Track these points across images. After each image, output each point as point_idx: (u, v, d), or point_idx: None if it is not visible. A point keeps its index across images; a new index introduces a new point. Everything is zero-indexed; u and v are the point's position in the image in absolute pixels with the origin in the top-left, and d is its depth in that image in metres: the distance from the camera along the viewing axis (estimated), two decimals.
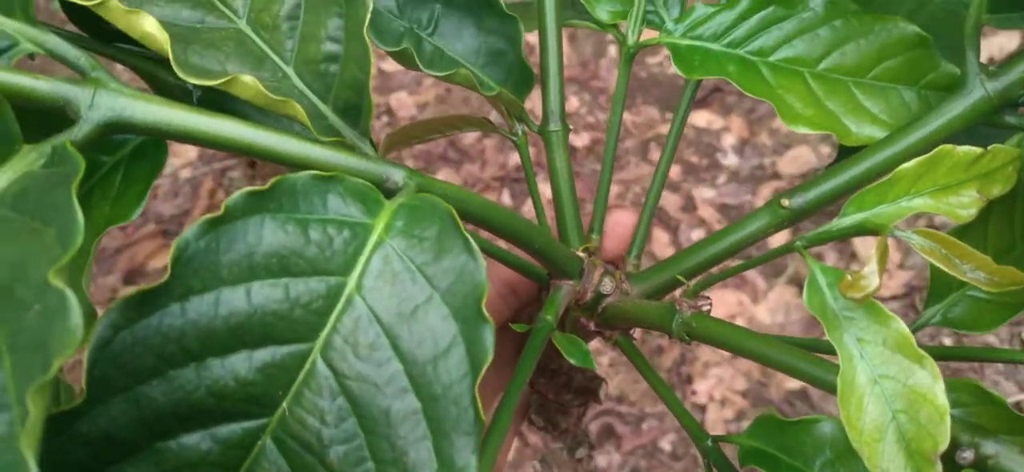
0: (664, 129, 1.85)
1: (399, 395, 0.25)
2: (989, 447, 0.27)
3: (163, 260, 1.71)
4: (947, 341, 1.43)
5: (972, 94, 0.32)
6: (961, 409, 0.29)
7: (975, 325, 0.33)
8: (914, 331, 0.34)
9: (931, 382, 0.26)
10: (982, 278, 0.27)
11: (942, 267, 0.27)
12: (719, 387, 1.42)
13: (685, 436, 1.39)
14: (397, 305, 0.26)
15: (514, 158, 1.81)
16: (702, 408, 1.40)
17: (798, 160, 1.75)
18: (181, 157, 1.94)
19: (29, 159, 0.24)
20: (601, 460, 1.34)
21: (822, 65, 0.35)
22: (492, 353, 0.25)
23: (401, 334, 0.26)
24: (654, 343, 1.51)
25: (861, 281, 0.26)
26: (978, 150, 0.30)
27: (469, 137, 1.87)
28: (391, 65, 2.11)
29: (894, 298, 1.43)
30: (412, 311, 0.26)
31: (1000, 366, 1.37)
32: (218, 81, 0.27)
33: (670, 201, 1.69)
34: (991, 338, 1.42)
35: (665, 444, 1.38)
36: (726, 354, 1.47)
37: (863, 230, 0.29)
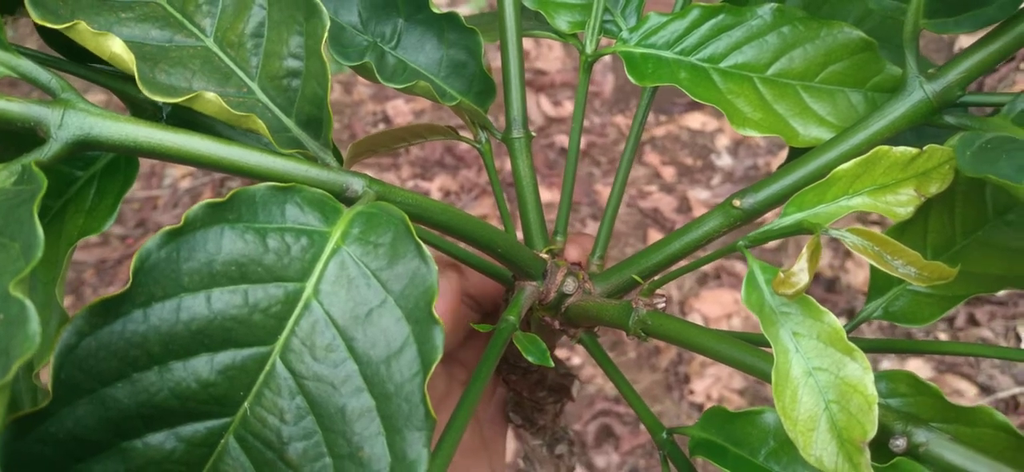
0: (657, 131, 1.87)
1: (354, 394, 0.27)
2: (920, 435, 0.28)
3: None
4: (943, 336, 1.44)
5: (912, 96, 0.33)
6: (899, 399, 0.31)
7: (915, 318, 0.35)
8: (855, 325, 0.36)
9: (861, 374, 0.27)
10: (913, 273, 0.28)
11: (875, 263, 0.28)
12: (716, 386, 1.43)
13: (683, 438, 1.39)
14: (352, 308, 0.27)
15: (510, 164, 1.82)
16: (700, 407, 1.41)
17: None
18: (181, 169, 1.96)
19: (1, 177, 0.26)
20: (600, 460, 1.35)
21: (771, 70, 0.36)
22: (441, 352, 0.26)
23: (356, 336, 0.27)
24: (651, 344, 1.52)
25: (792, 278, 0.27)
26: (914, 150, 0.31)
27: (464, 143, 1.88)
28: None
29: None
30: (367, 314, 0.27)
31: (996, 360, 1.38)
32: (182, 98, 0.29)
33: (665, 202, 1.71)
34: (986, 332, 1.43)
35: None
36: None
37: (802, 229, 0.30)
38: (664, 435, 0.35)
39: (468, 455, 0.43)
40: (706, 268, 1.62)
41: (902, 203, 0.31)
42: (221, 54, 0.32)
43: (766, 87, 0.36)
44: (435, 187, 1.80)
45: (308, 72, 0.31)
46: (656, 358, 1.52)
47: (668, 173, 1.77)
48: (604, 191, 1.73)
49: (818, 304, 0.28)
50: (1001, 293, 1.60)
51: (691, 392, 1.45)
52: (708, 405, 1.44)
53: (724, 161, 1.79)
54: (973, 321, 1.51)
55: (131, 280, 0.25)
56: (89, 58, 0.34)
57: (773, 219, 0.31)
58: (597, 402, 1.43)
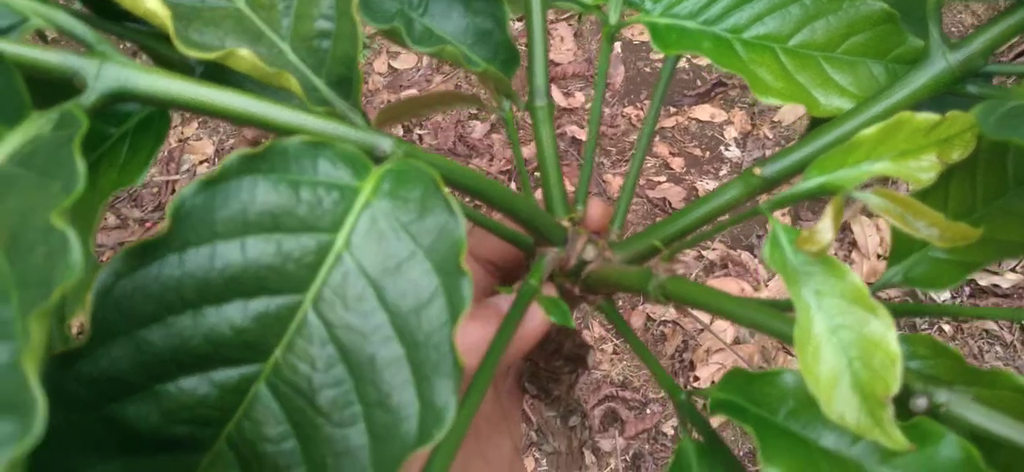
0: (667, 122, 1.87)
1: (384, 343, 0.27)
2: (942, 395, 0.28)
3: None
4: (946, 328, 1.44)
5: (935, 65, 0.34)
6: (918, 361, 0.31)
7: (935, 283, 0.35)
8: (877, 290, 0.36)
9: (884, 330, 0.27)
10: (936, 235, 0.29)
11: (897, 225, 0.29)
12: (720, 373, 1.43)
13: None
14: (383, 261, 0.28)
15: (526, 150, 1.83)
16: (675, 383, 1.41)
17: None
18: (198, 154, 1.97)
19: (38, 124, 0.26)
20: (605, 444, 1.36)
21: (793, 41, 0.37)
22: (470, 303, 0.27)
23: (386, 287, 0.27)
24: (657, 330, 1.53)
25: (816, 235, 0.28)
26: (937, 117, 0.31)
27: (478, 131, 1.89)
28: (402, 62, 2.13)
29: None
30: (396, 266, 0.28)
31: (999, 350, 1.39)
32: (216, 54, 0.29)
33: (673, 192, 1.71)
34: (990, 324, 1.43)
35: (668, 428, 1.40)
36: (728, 340, 1.48)
37: (824, 192, 0.30)
38: (682, 396, 0.36)
39: (489, 424, 0.43)
40: (712, 257, 1.62)
41: (924, 169, 0.31)
42: (252, 15, 0.32)
43: (788, 57, 0.37)
44: None
45: (339, 32, 0.32)
46: (661, 345, 1.52)
47: (677, 164, 1.77)
48: (613, 180, 1.73)
49: (841, 263, 0.29)
50: (1006, 286, 1.60)
51: (696, 379, 1.46)
52: None
53: (732, 153, 1.79)
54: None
55: (168, 225, 0.25)
56: (118, 17, 0.35)
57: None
58: (603, 387, 1.43)
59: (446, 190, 0.28)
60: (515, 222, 0.37)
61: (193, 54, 0.29)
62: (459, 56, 0.36)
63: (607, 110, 1.89)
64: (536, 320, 0.36)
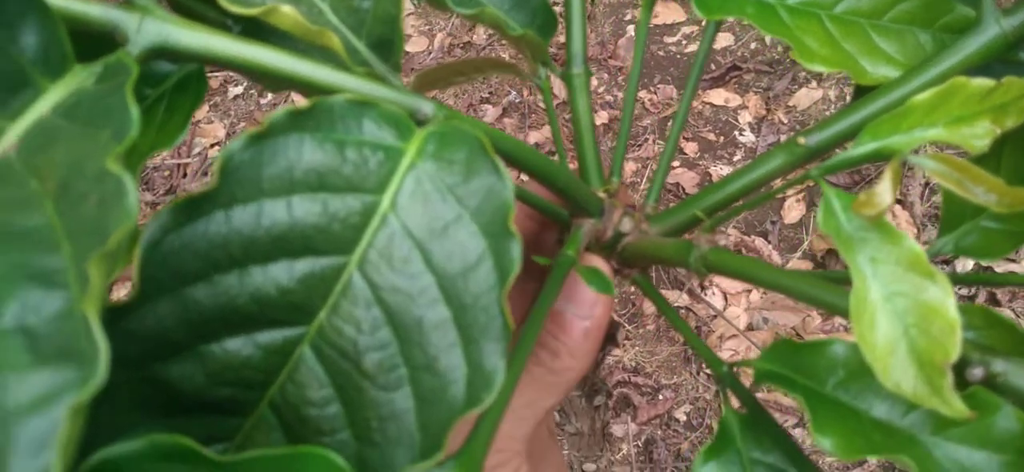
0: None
1: (431, 305, 0.26)
2: (998, 365, 0.28)
3: None
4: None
5: (988, 31, 0.33)
6: (973, 332, 0.30)
7: (987, 253, 0.34)
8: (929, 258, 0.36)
9: (943, 297, 0.27)
10: (994, 200, 0.28)
11: (954, 190, 0.28)
12: (734, 360, 1.42)
13: (700, 407, 1.40)
14: (429, 222, 0.27)
15: (533, 136, 1.82)
16: (717, 357, 1.41)
17: None
18: (209, 137, 1.97)
19: (81, 77, 0.25)
20: (617, 430, 1.35)
21: (839, 8, 0.36)
22: (520, 264, 0.26)
23: (433, 249, 0.27)
24: None
25: (874, 198, 0.27)
26: (992, 82, 0.30)
27: (489, 115, 1.88)
28: (413, 46, 2.13)
29: None
30: (443, 228, 0.27)
31: None
32: (258, 10, 0.28)
33: (687, 177, 1.70)
34: (1006, 312, 1.42)
35: (680, 414, 1.39)
36: (741, 326, 1.47)
37: (878, 157, 0.30)
38: (724, 369, 0.35)
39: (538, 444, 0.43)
40: (726, 243, 1.61)
41: (978, 135, 0.30)
42: None
43: (834, 24, 0.36)
44: None
45: None
46: (675, 331, 1.51)
47: (690, 149, 1.76)
48: (628, 164, 1.72)
49: (896, 229, 0.28)
50: (1021, 272, 1.59)
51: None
52: None
53: (747, 137, 1.78)
54: (994, 301, 1.50)
55: (216, 180, 0.25)
56: None
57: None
58: (615, 373, 1.43)
59: (492, 152, 0.28)
60: (551, 192, 0.36)
61: (236, 9, 0.28)
62: (498, 19, 0.35)
63: (620, 95, 1.88)
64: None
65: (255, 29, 0.31)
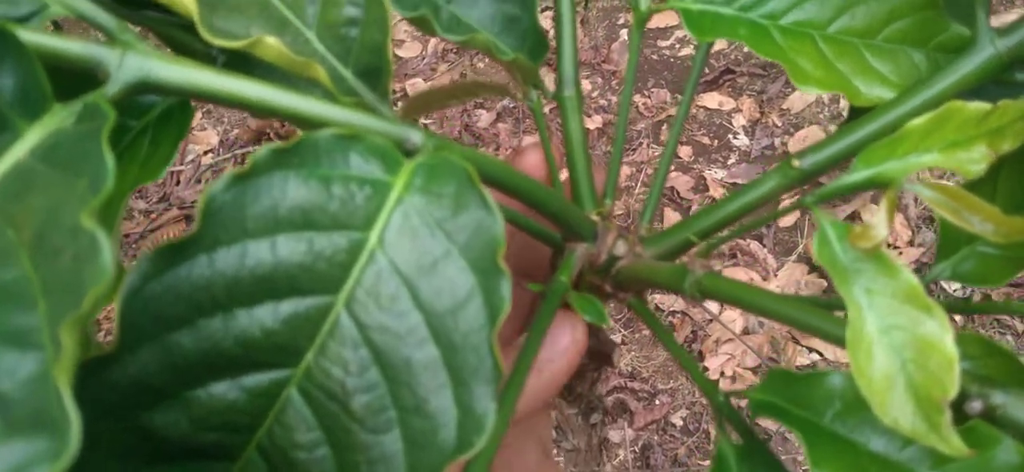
0: (675, 111, 1.85)
1: (420, 345, 0.26)
2: (997, 397, 0.27)
3: None
4: (956, 318, 1.43)
5: (983, 52, 0.32)
6: (969, 362, 0.30)
7: (984, 279, 0.34)
8: (924, 285, 0.35)
9: (940, 331, 0.26)
10: (990, 230, 0.28)
11: (951, 219, 0.28)
12: (730, 364, 1.42)
13: (696, 411, 1.39)
14: (417, 259, 0.27)
15: (527, 142, 1.82)
16: (714, 384, 1.41)
17: (808, 139, 1.75)
18: (202, 144, 1.96)
19: (60, 117, 0.25)
20: (614, 435, 1.35)
21: (832, 27, 0.36)
22: (509, 303, 0.26)
23: (421, 286, 0.26)
24: (665, 321, 1.52)
25: (870, 231, 0.27)
26: (988, 106, 0.30)
27: (483, 121, 1.88)
28: (407, 51, 2.12)
29: None
30: (431, 264, 0.26)
31: (1011, 340, 1.38)
32: (243, 43, 0.28)
33: (681, 181, 1.70)
34: (1002, 314, 1.42)
35: (677, 419, 1.39)
36: (737, 330, 1.47)
37: (873, 184, 0.29)
38: (721, 398, 0.35)
39: (517, 425, 0.42)
40: (722, 248, 1.61)
41: (974, 160, 0.30)
42: (277, 2, 0.31)
43: (827, 45, 0.35)
44: None
45: (368, 19, 0.31)
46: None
47: (685, 152, 1.76)
48: (623, 170, 1.72)
49: (893, 260, 0.27)
50: (1019, 275, 1.59)
51: (705, 369, 1.45)
52: (721, 382, 1.44)
53: (741, 140, 1.78)
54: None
55: (198, 223, 0.24)
56: (138, 4, 0.33)
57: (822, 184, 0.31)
58: (611, 378, 1.42)
59: (481, 185, 0.27)
60: (544, 217, 0.36)
61: (219, 42, 0.28)
62: (488, 44, 0.34)
63: (613, 98, 1.88)
64: (564, 345, 0.34)
65: (240, 60, 0.31)
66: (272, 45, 0.28)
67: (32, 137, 0.24)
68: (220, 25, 0.29)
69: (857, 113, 0.36)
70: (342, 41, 0.31)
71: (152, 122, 0.33)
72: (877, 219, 0.27)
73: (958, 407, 0.28)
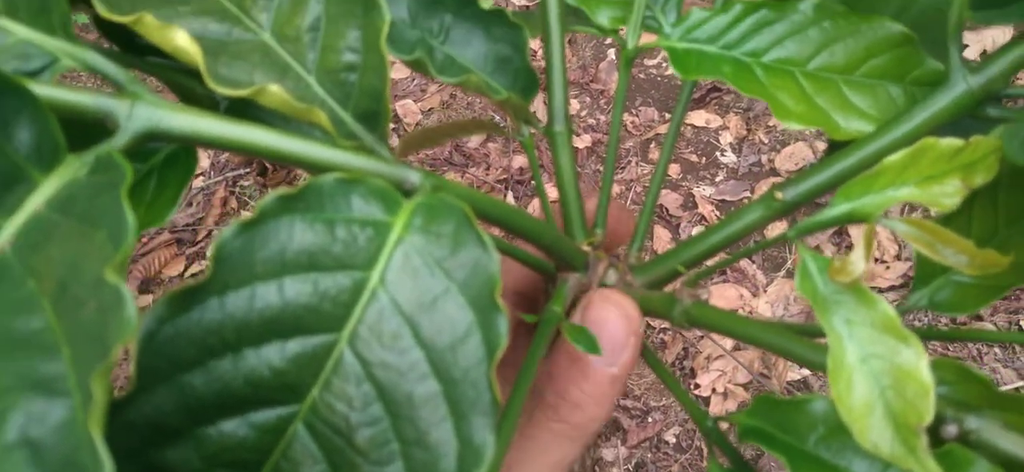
0: (663, 129, 1.87)
1: (421, 380, 0.27)
2: (972, 421, 0.29)
3: (178, 268, 1.74)
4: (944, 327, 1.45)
5: (955, 89, 0.34)
6: (946, 387, 0.31)
7: (960, 308, 0.35)
8: (902, 314, 0.36)
9: (916, 360, 0.28)
10: (964, 262, 0.29)
11: (926, 252, 0.29)
12: (721, 380, 1.43)
13: (689, 429, 1.41)
14: (417, 296, 0.28)
15: (517, 161, 1.83)
16: (706, 400, 1.42)
17: (794, 156, 1.77)
18: None
19: (74, 167, 0.26)
20: (608, 454, 1.36)
21: (812, 64, 0.37)
22: (507, 339, 0.27)
23: (422, 323, 0.27)
24: (657, 338, 1.53)
25: (849, 266, 0.28)
26: (960, 142, 0.31)
27: (474, 141, 1.89)
28: (397, 73, 2.13)
29: (892, 288, 1.45)
30: (431, 302, 0.28)
31: (998, 352, 1.39)
32: (247, 91, 0.29)
33: (670, 199, 1.71)
34: (987, 325, 1.44)
35: (669, 437, 1.40)
36: (728, 347, 1.48)
37: (851, 219, 0.31)
38: (709, 423, 0.36)
39: (515, 449, 0.43)
40: (711, 264, 1.62)
41: (948, 194, 0.31)
42: (278, 48, 0.32)
43: (808, 81, 0.37)
44: None
45: (366, 65, 0.32)
46: (662, 353, 1.52)
47: (673, 170, 1.78)
48: (613, 188, 1.74)
49: (871, 292, 0.29)
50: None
51: (697, 386, 1.46)
52: (713, 399, 1.45)
53: (728, 158, 1.80)
54: (976, 315, 1.52)
55: (210, 269, 0.25)
56: (141, 51, 0.35)
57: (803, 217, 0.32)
58: None
59: (478, 224, 0.29)
60: (538, 249, 0.37)
61: (224, 91, 0.29)
62: (482, 85, 0.36)
63: (603, 118, 1.90)
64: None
65: (242, 104, 0.32)
66: (275, 93, 0.29)
67: (48, 188, 0.25)
68: (224, 73, 0.30)
69: (836, 145, 0.37)
70: (342, 86, 0.32)
71: (158, 165, 0.34)
72: (855, 255, 0.28)
73: (934, 431, 0.29)
